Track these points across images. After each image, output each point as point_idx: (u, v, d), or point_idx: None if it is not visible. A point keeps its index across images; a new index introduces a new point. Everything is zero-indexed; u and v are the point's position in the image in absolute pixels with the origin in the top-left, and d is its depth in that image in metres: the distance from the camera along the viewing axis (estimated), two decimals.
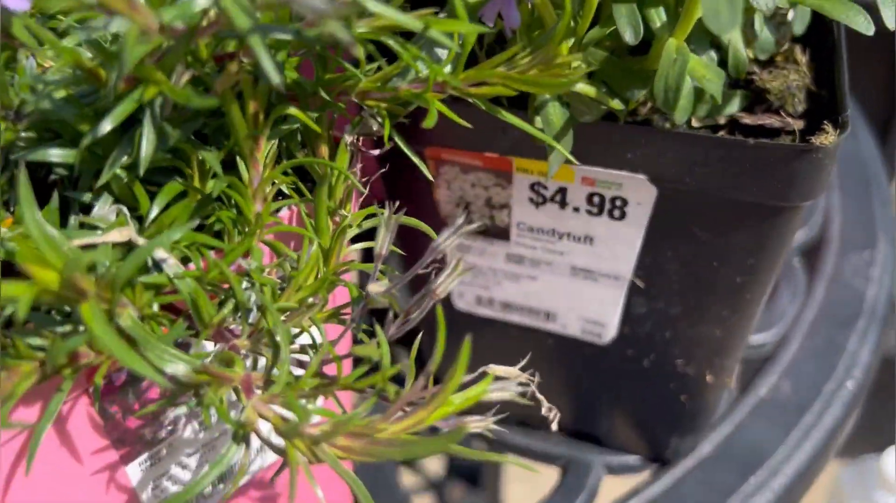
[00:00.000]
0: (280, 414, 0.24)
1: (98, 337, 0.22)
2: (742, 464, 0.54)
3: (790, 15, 0.42)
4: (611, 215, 0.41)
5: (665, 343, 0.46)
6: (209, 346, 0.28)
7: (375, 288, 0.27)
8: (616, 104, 0.35)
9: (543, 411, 0.29)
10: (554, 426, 0.29)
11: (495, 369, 0.28)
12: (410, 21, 0.24)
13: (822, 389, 0.58)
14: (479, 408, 0.28)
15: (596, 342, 0.48)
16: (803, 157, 0.35)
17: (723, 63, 0.39)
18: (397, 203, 0.29)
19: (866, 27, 0.34)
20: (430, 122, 0.28)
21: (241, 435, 0.24)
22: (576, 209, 0.41)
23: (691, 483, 0.54)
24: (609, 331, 0.47)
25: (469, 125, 0.31)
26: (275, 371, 0.25)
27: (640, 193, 0.39)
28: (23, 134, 0.28)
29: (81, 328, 0.25)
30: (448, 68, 0.29)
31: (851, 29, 0.35)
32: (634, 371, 0.49)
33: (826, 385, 0.59)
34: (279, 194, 0.31)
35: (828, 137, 0.35)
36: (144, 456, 0.34)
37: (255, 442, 0.39)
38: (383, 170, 0.33)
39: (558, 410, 0.55)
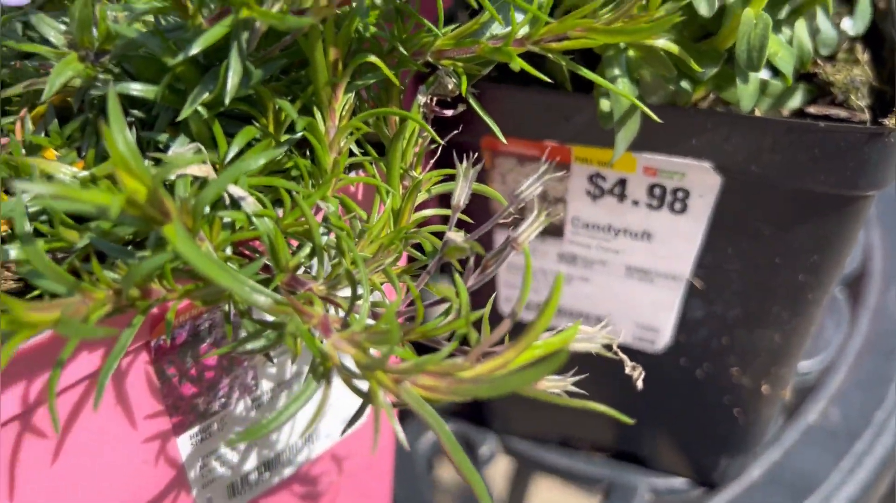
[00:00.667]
0: (366, 352, 0.23)
1: (184, 254, 0.21)
2: (792, 489, 0.52)
3: (844, 23, 0.42)
4: (672, 208, 0.40)
5: (721, 350, 0.45)
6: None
7: (453, 236, 0.26)
8: (685, 85, 0.35)
9: (627, 370, 0.28)
10: (639, 384, 0.27)
11: (582, 327, 0.27)
12: None
13: (873, 418, 0.57)
14: None
15: (648, 350, 0.47)
16: (875, 141, 0.35)
17: None
18: (476, 155, 0.29)
19: None
20: (515, 66, 0.27)
21: (322, 370, 0.23)
22: (635, 202, 0.41)
23: None
24: (663, 337, 0.46)
25: (545, 77, 0.30)
26: (355, 312, 0.24)
27: (704, 183, 0.39)
28: (100, 76, 0.27)
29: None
30: (527, 27, 0.28)
31: None
32: (687, 382, 0.47)
33: (876, 413, 0.57)
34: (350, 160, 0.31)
35: None
36: (196, 428, 0.32)
37: (302, 423, 0.37)
38: (456, 132, 0.32)
39: (604, 429, 0.53)
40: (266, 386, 0.34)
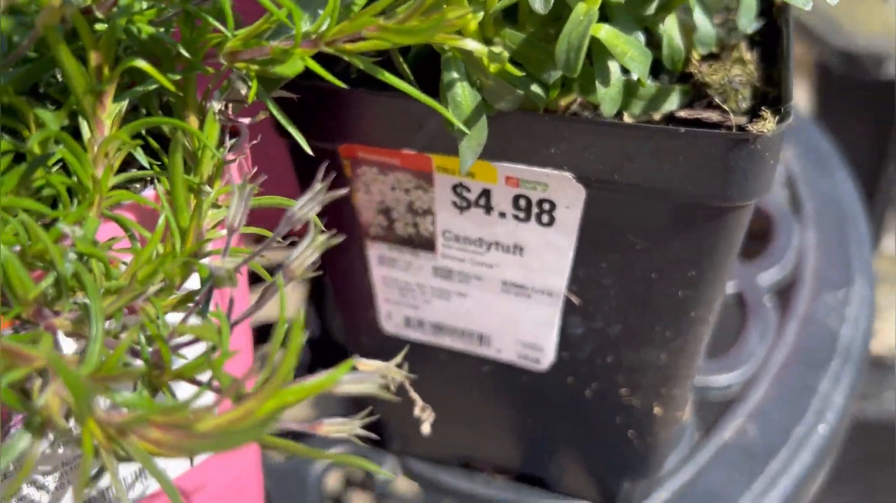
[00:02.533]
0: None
1: None
2: None
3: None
4: (539, 220, 0.37)
5: (607, 369, 0.42)
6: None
7: (220, 263, 0.23)
8: (535, 88, 0.32)
9: (416, 411, 0.25)
10: (426, 428, 0.24)
11: (363, 363, 0.24)
12: None
13: (792, 433, 0.54)
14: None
15: (534, 369, 0.44)
16: (740, 148, 0.32)
17: (660, 63, 0.36)
18: (255, 170, 0.26)
19: (804, 2, 0.31)
20: (290, 70, 0.24)
21: (37, 422, 0.20)
22: (502, 214, 0.38)
23: None
24: (547, 355, 0.43)
25: (342, 84, 0.28)
26: (90, 351, 0.21)
27: (568, 194, 0.36)
28: None
29: None
30: (325, 25, 0.25)
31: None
32: (577, 402, 0.44)
33: (795, 429, 0.54)
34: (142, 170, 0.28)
35: (767, 125, 0.31)
36: None
37: (133, 467, 0.34)
38: (255, 142, 0.29)
39: (505, 451, 0.50)
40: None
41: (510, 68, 0.28)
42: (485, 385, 0.46)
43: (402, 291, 0.43)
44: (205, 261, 0.25)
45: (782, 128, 0.32)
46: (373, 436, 0.24)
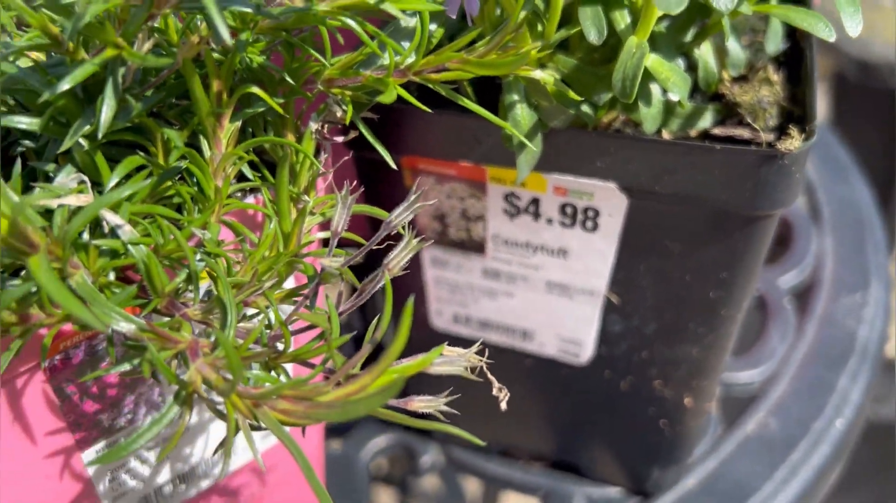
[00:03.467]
0: (223, 376, 0.24)
1: (44, 286, 0.22)
2: (726, 499, 0.53)
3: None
4: (584, 226, 0.41)
5: (642, 363, 0.46)
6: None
7: (328, 262, 0.27)
8: (585, 109, 0.36)
9: (494, 391, 0.29)
10: (503, 406, 0.28)
11: (448, 349, 0.28)
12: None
13: (811, 427, 0.57)
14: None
15: (573, 363, 0.47)
16: (770, 163, 0.35)
17: (695, 84, 0.40)
18: (355, 184, 0.30)
19: (828, 34, 0.35)
20: (387, 99, 0.28)
21: (183, 395, 0.24)
22: (549, 220, 0.42)
23: None
24: (586, 350, 0.46)
25: (428, 109, 0.32)
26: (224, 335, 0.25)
27: (612, 203, 0.39)
28: None
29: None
30: (412, 57, 0.29)
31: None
32: (613, 394, 0.48)
33: (815, 423, 0.58)
34: (244, 181, 0.32)
35: (793, 143, 0.35)
36: (102, 443, 0.33)
37: (216, 438, 0.38)
38: (346, 157, 0.33)
39: (541, 439, 0.54)
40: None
41: (571, 94, 0.32)
42: (527, 377, 0.50)
43: (452, 290, 0.47)
44: (308, 260, 0.29)
45: (808, 145, 0.35)
46: (455, 412, 0.28)
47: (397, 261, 0.28)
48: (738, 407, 0.59)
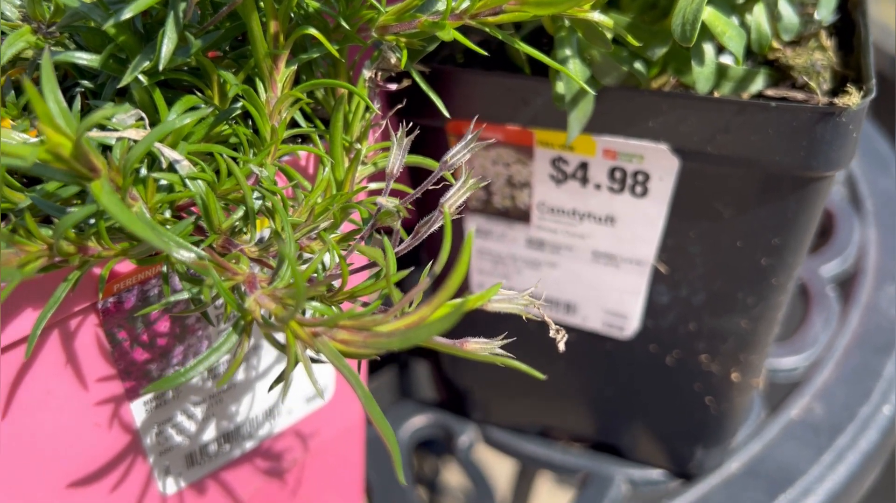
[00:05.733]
0: (284, 305, 0.24)
1: (107, 207, 0.22)
2: (771, 483, 0.52)
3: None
4: (633, 192, 0.40)
5: (689, 336, 0.45)
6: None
7: (385, 201, 0.27)
8: (638, 66, 0.36)
9: (551, 333, 0.28)
10: (561, 346, 0.28)
11: (503, 290, 0.27)
12: None
13: (858, 413, 0.56)
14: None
15: (618, 336, 0.47)
16: (826, 120, 0.35)
17: (748, 48, 0.39)
18: (410, 124, 0.29)
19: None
20: (445, 36, 0.28)
21: (242, 324, 0.24)
22: (597, 186, 0.41)
23: (717, 500, 0.51)
24: (631, 323, 0.46)
25: (484, 52, 0.31)
26: (281, 271, 0.25)
27: (663, 166, 0.39)
28: (52, 48, 0.29)
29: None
30: (468, 1, 0.29)
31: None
32: (658, 370, 0.47)
33: (861, 409, 0.56)
34: (297, 136, 0.32)
35: (852, 98, 0.34)
36: (151, 395, 0.33)
37: (262, 396, 0.38)
38: (399, 105, 0.33)
39: (581, 420, 0.53)
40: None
41: (629, 38, 0.32)
42: (569, 353, 0.49)
43: (494, 262, 0.47)
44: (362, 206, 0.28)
45: (866, 102, 0.35)
46: (511, 356, 0.28)
47: (454, 199, 0.27)
48: (782, 392, 0.58)
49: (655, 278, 0.43)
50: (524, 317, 0.48)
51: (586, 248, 0.44)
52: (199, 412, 0.36)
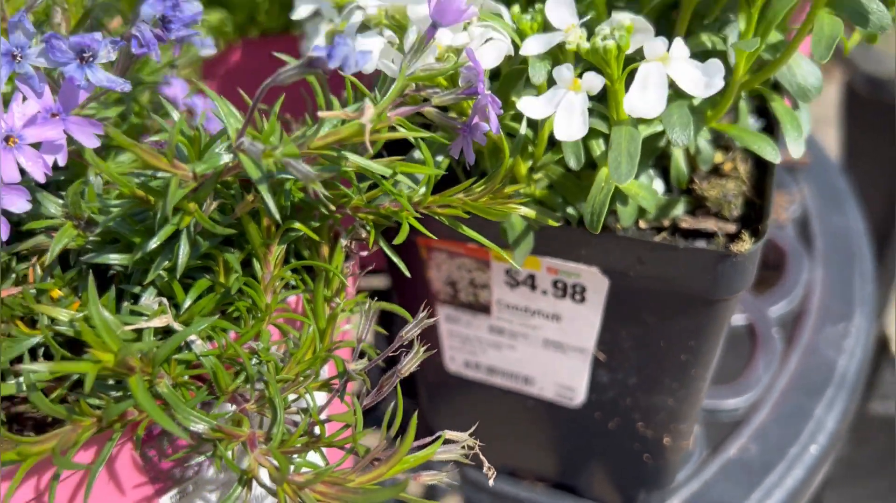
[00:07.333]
0: (274, 465, 0.32)
1: (140, 403, 0.30)
2: None
3: None
4: (573, 298, 0.48)
5: (626, 408, 0.53)
6: (228, 406, 0.36)
7: (354, 366, 0.34)
8: (570, 211, 0.43)
9: (484, 470, 0.36)
10: (491, 482, 0.36)
11: (449, 434, 0.35)
12: (381, 168, 0.32)
13: (787, 452, 0.64)
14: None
15: (568, 405, 0.55)
16: (725, 261, 0.42)
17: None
18: (392, 281, 0.37)
19: (774, 156, 0.41)
20: (400, 239, 0.36)
21: (245, 479, 0.32)
22: (544, 292, 0.49)
23: None
24: (578, 395, 0.54)
25: (433, 236, 0.39)
26: (274, 430, 0.33)
27: (596, 283, 0.46)
28: (91, 238, 0.36)
29: (129, 394, 0.33)
30: (422, 190, 0.36)
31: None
32: (603, 432, 0.55)
33: (791, 448, 0.64)
34: (288, 284, 0.39)
35: (744, 245, 0.42)
36: (174, 491, 0.41)
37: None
38: (370, 266, 0.41)
39: (545, 464, 0.62)
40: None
41: (549, 221, 0.39)
42: (529, 415, 0.57)
43: (463, 341, 0.55)
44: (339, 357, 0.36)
45: (758, 245, 0.42)
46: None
47: (408, 367, 0.35)
48: (723, 432, 0.66)
49: (596, 363, 0.51)
50: (490, 385, 0.56)
51: (538, 336, 0.52)
52: (213, 497, 0.44)
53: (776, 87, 0.44)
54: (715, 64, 0.34)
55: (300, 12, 0.45)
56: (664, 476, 0.58)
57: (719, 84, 0.34)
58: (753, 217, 0.46)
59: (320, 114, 0.29)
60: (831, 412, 0.67)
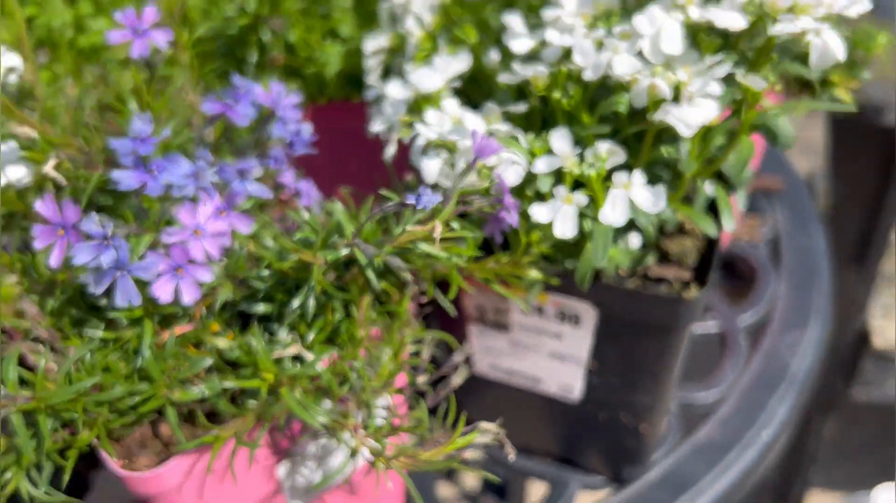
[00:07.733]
0: (373, 444, 0.49)
1: (291, 406, 0.47)
2: (675, 487, 0.77)
3: None
4: (571, 323, 0.65)
5: (613, 404, 0.70)
6: (328, 404, 0.53)
7: (421, 379, 0.52)
8: (567, 265, 0.60)
9: (506, 450, 0.53)
10: (511, 457, 0.53)
11: (483, 425, 0.52)
12: (442, 253, 0.49)
13: (743, 436, 0.81)
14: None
15: (568, 400, 0.72)
16: (678, 303, 0.59)
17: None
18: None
19: (713, 232, 0.58)
20: (451, 295, 0.53)
21: (352, 453, 0.49)
22: (550, 317, 0.66)
23: (638, 499, 0.77)
24: (576, 393, 0.71)
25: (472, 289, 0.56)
26: (369, 421, 0.50)
27: (587, 313, 0.63)
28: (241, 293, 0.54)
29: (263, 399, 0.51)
30: (465, 259, 0.53)
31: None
32: (595, 421, 0.73)
33: (747, 433, 0.81)
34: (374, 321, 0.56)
35: (692, 293, 0.58)
36: (288, 460, 0.59)
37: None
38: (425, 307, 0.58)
39: (551, 442, 0.79)
40: (322, 441, 0.61)
41: (553, 281, 0.56)
42: (538, 406, 0.75)
43: (488, 351, 0.72)
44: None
45: (702, 294, 0.59)
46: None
47: (454, 383, 0.52)
48: (694, 421, 0.83)
49: (589, 370, 0.68)
50: (508, 384, 0.73)
51: (545, 349, 0.69)
52: (313, 464, 0.62)
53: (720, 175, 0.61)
54: (659, 190, 0.51)
55: (375, 126, 0.62)
56: (643, 455, 0.75)
57: (663, 205, 0.50)
58: (706, 267, 0.62)
59: (408, 227, 0.46)
60: (782, 405, 0.84)
